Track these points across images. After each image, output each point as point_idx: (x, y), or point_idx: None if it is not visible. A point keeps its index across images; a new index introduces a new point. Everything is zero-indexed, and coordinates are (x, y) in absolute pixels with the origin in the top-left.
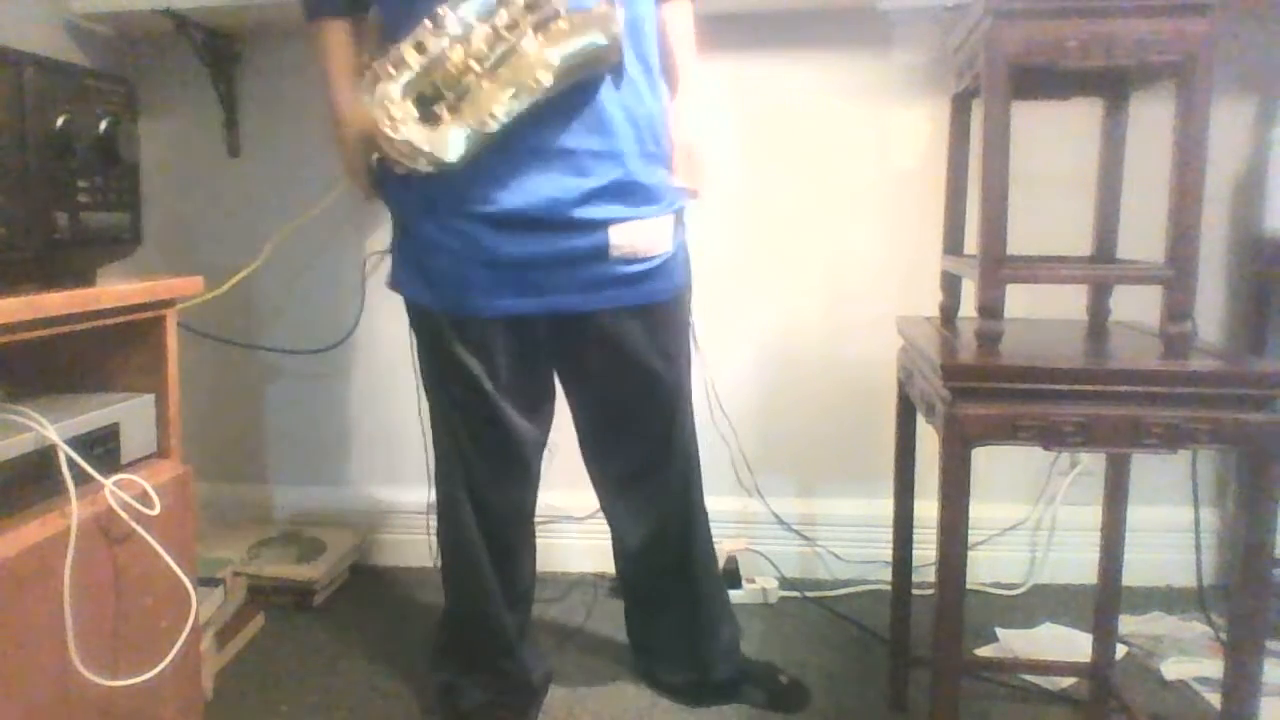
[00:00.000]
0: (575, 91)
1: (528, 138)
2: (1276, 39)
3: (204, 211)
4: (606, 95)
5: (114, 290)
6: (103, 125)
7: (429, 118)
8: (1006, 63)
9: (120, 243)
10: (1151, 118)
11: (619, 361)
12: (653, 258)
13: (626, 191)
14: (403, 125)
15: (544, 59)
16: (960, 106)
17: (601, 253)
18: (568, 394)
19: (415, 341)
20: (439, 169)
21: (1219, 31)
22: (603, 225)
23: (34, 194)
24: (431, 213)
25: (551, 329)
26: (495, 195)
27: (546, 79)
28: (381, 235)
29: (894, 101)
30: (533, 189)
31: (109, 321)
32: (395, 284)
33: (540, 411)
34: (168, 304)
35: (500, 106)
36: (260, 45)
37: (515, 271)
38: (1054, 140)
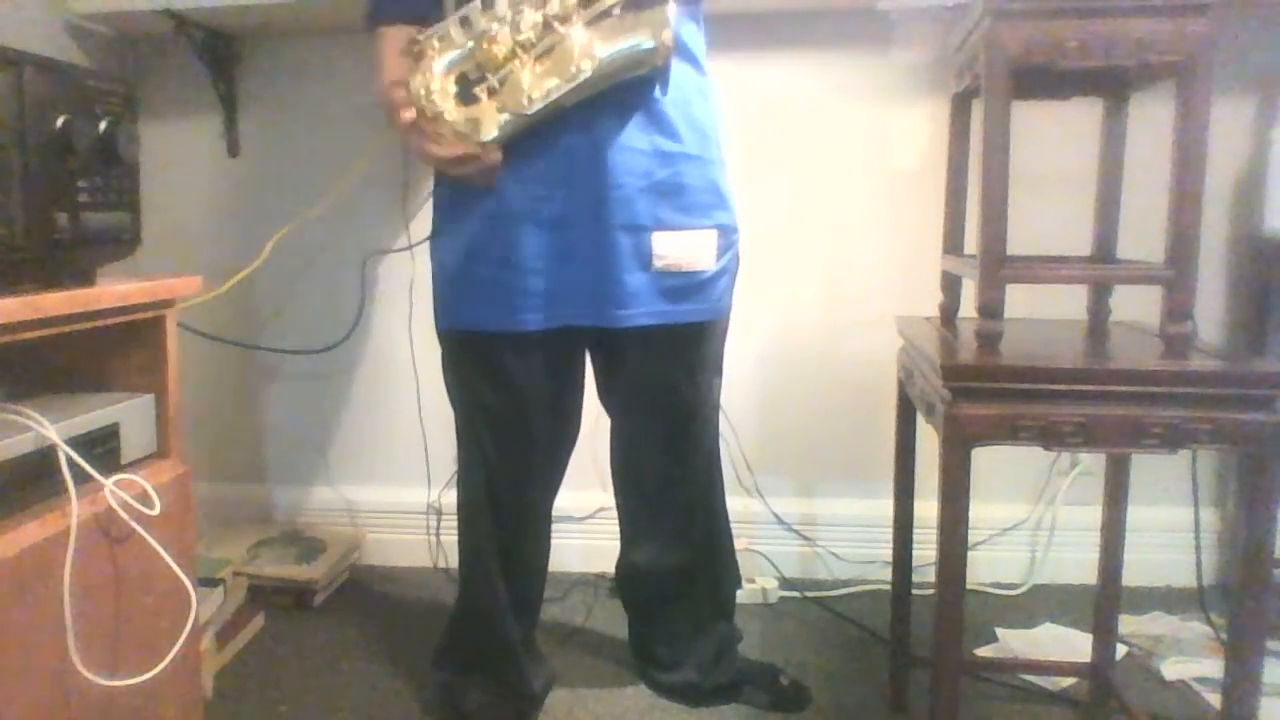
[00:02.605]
0: (632, 88)
1: (579, 131)
2: (1276, 39)
3: (204, 211)
4: (659, 93)
5: (114, 290)
6: (103, 125)
7: (468, 98)
8: (1006, 63)
9: (120, 243)
10: (1151, 118)
11: (644, 377)
12: (695, 272)
13: (673, 192)
14: (441, 103)
15: (589, 50)
16: (960, 106)
17: (645, 261)
18: (600, 397)
19: (441, 350)
20: (473, 149)
21: (1219, 31)
22: (647, 230)
23: (34, 194)
24: (476, 212)
25: (589, 339)
26: (545, 191)
27: (587, 69)
28: (381, 235)
29: (894, 101)
30: (583, 183)
31: (109, 321)
32: (446, 323)
33: (568, 411)
34: (168, 304)
35: (539, 90)
36: (260, 45)
37: (557, 282)
38: (1054, 140)
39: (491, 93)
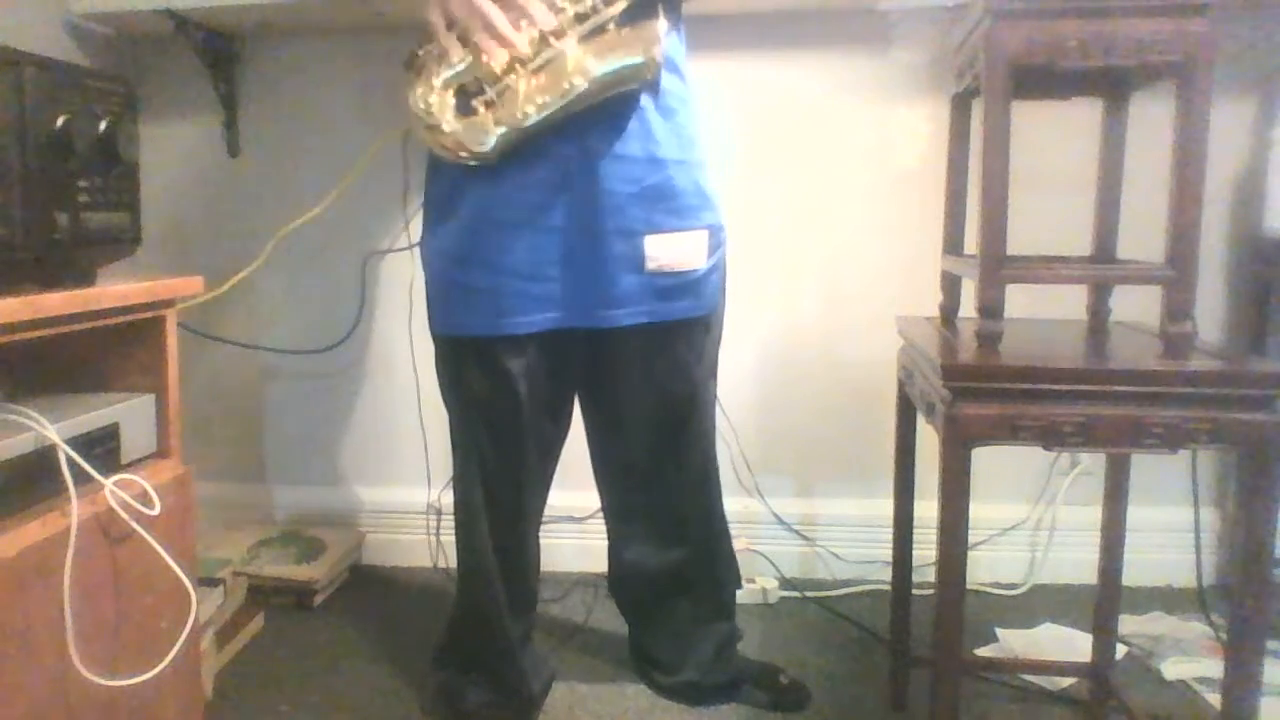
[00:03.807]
0: (622, 97)
1: (573, 141)
2: (1276, 39)
3: (204, 211)
4: (648, 102)
5: (114, 290)
6: (103, 125)
7: (466, 110)
8: (1006, 63)
9: (120, 243)
10: (1151, 118)
11: (639, 376)
12: (686, 272)
13: (664, 196)
14: (440, 115)
15: (583, 66)
16: (960, 106)
17: (638, 264)
18: (581, 402)
19: (436, 351)
20: (473, 159)
21: (1219, 31)
22: (640, 234)
23: (34, 194)
24: (468, 217)
25: (581, 340)
26: (543, 198)
27: (580, 84)
28: (381, 235)
29: (894, 101)
30: (578, 190)
31: (109, 321)
32: (441, 327)
33: (562, 411)
34: (168, 304)
35: (533, 104)
36: (260, 45)
37: (550, 286)
38: (1054, 140)
39: (489, 105)
